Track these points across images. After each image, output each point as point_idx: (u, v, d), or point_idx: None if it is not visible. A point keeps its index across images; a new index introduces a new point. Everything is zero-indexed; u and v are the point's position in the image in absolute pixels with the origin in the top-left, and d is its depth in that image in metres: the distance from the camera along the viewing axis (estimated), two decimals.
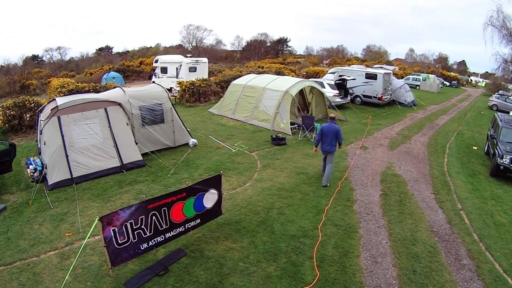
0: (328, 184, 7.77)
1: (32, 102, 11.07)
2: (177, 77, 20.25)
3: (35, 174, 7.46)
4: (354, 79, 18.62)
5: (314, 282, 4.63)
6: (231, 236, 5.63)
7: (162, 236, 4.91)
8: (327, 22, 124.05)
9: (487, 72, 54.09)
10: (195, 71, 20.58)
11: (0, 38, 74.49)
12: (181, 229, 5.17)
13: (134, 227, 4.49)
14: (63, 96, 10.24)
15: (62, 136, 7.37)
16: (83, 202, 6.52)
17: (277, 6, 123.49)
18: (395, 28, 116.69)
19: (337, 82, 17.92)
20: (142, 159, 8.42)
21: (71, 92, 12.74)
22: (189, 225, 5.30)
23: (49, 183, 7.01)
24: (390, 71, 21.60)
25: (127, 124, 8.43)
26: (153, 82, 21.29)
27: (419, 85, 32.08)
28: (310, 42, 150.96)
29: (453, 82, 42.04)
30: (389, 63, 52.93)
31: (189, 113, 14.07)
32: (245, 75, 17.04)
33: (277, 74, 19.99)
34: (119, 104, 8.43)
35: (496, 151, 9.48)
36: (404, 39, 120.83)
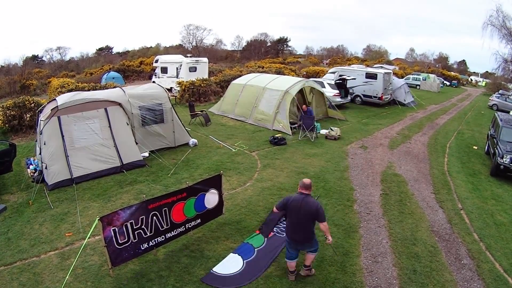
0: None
1: (32, 102, 11.08)
2: (177, 77, 20.25)
3: (35, 174, 7.47)
4: (354, 78, 18.60)
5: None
6: (231, 236, 5.63)
7: (163, 236, 4.91)
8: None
9: (487, 71, 54.09)
10: (195, 71, 20.57)
11: (0, 38, 74.46)
12: (181, 229, 5.17)
13: (135, 227, 4.49)
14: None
15: (62, 136, 7.38)
16: (83, 202, 6.52)
17: (277, 6, 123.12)
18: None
19: (337, 82, 17.92)
20: (142, 159, 8.43)
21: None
22: (190, 225, 5.30)
23: (49, 183, 7.01)
24: (390, 71, 21.58)
25: (127, 124, 8.43)
26: (153, 82, 21.30)
27: (419, 85, 32.05)
28: (309, 42, 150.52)
29: (453, 81, 41.99)
30: (389, 62, 52.84)
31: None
32: (245, 74, 17.04)
33: (277, 74, 19.99)
34: (119, 104, 8.43)
35: (496, 150, 9.48)
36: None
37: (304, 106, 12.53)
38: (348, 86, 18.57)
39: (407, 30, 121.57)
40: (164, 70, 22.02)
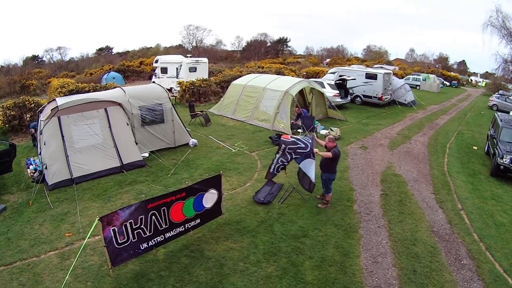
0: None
1: (32, 102, 11.09)
2: (177, 77, 20.26)
3: (35, 174, 7.47)
4: (354, 79, 18.61)
5: None
6: (231, 236, 5.63)
7: (162, 236, 4.91)
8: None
9: (487, 72, 54.10)
10: (195, 71, 20.57)
11: (0, 38, 74.54)
12: (181, 229, 5.17)
13: (134, 227, 4.50)
14: (63, 96, 10.25)
15: (62, 136, 7.38)
16: (83, 202, 6.52)
17: (277, 6, 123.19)
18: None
19: (337, 82, 17.93)
20: (142, 159, 8.43)
21: (71, 93, 12.75)
22: (189, 225, 5.30)
23: (49, 183, 7.02)
24: (390, 71, 21.59)
25: (127, 124, 8.43)
26: (153, 82, 21.30)
27: (419, 85, 32.07)
28: (309, 42, 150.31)
29: (453, 82, 42.02)
30: (389, 63, 52.93)
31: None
32: (245, 75, 17.04)
33: (277, 74, 19.99)
34: (119, 104, 8.44)
35: (496, 151, 9.48)
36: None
37: (296, 109, 12.63)
38: (348, 86, 18.58)
39: (406, 30, 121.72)
40: (164, 70, 22.02)
